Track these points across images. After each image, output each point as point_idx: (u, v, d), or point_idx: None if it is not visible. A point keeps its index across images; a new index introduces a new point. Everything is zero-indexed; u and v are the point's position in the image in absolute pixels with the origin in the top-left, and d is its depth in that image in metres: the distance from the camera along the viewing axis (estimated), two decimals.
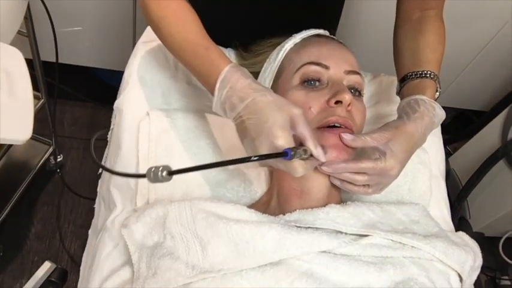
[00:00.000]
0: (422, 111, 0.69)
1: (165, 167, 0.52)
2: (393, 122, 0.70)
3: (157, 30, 0.73)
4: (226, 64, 0.65)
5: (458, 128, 2.05)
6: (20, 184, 1.49)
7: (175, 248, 0.63)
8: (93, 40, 1.65)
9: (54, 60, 1.61)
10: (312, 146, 0.61)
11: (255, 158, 0.56)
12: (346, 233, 0.66)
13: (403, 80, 0.76)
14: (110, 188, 0.79)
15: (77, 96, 1.76)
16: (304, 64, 0.72)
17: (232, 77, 0.64)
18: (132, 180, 0.77)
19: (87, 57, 1.72)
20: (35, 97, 1.33)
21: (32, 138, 1.56)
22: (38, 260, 1.48)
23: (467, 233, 0.80)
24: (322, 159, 0.62)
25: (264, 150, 0.59)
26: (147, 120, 0.79)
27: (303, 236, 0.63)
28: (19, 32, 1.17)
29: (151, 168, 0.53)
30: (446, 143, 2.01)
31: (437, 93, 0.74)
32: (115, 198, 0.78)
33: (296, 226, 0.65)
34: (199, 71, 0.68)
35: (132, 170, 0.77)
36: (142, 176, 0.53)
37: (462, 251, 0.70)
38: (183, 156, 0.78)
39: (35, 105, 1.28)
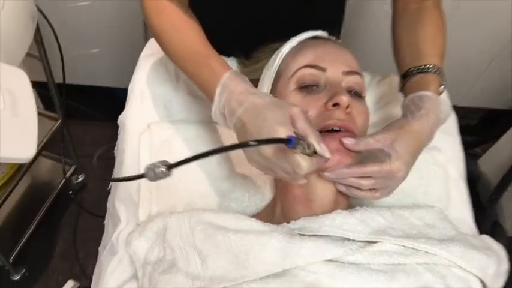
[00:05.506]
0: (427, 108, 0.66)
1: (163, 162, 0.50)
2: (397, 121, 0.67)
3: (159, 42, 0.74)
4: (225, 71, 0.65)
5: (486, 128, 1.97)
6: (43, 204, 1.52)
7: (175, 261, 0.61)
8: (110, 61, 1.69)
9: (75, 82, 1.66)
10: (314, 141, 0.57)
11: (254, 143, 0.53)
12: (353, 240, 0.62)
13: (404, 77, 0.73)
14: (115, 202, 0.79)
15: (97, 116, 1.79)
16: (300, 68, 0.70)
17: (231, 83, 0.64)
18: (134, 193, 0.76)
19: (105, 78, 1.76)
20: (52, 118, 1.35)
21: (53, 159, 1.61)
22: (62, 280, 1.49)
23: (501, 238, 0.75)
24: (327, 154, 0.58)
25: (266, 148, 0.57)
26: (148, 133, 0.79)
27: (307, 244, 0.60)
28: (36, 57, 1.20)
29: (149, 165, 0.51)
30: (474, 144, 1.94)
31: (442, 87, 0.70)
32: (119, 212, 0.77)
33: (299, 234, 0.62)
34: (200, 80, 0.68)
35: (134, 185, 0.76)
36: (142, 176, 0.51)
37: (483, 255, 0.65)
38: (187, 167, 0.76)
39: (51, 127, 1.31)
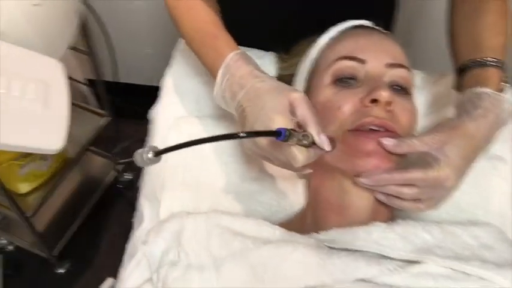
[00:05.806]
0: (485, 106, 0.56)
1: (151, 148, 0.48)
2: (449, 120, 0.57)
3: (173, 22, 0.71)
4: (230, 52, 0.61)
5: None
6: (90, 200, 1.54)
7: (188, 267, 0.56)
8: (164, 61, 1.69)
9: (133, 81, 1.68)
10: (314, 131, 0.51)
11: (243, 135, 0.49)
12: (392, 258, 0.54)
13: (460, 71, 0.63)
14: (141, 199, 0.76)
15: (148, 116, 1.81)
16: (337, 59, 0.63)
17: (234, 65, 0.60)
18: (158, 190, 0.72)
19: (158, 77, 1.78)
20: (99, 115, 1.37)
21: (103, 156, 1.63)
22: (106, 276, 1.49)
23: None
24: (326, 147, 0.52)
25: (261, 138, 0.53)
26: (176, 128, 0.75)
27: (335, 260, 0.53)
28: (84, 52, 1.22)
29: (137, 151, 0.49)
30: None
31: (505, 84, 0.60)
32: (144, 210, 0.74)
33: (328, 247, 0.55)
34: (206, 61, 0.65)
35: (158, 182, 0.73)
36: (130, 161, 0.49)
37: None
38: (214, 165, 0.72)
39: (98, 123, 1.33)
